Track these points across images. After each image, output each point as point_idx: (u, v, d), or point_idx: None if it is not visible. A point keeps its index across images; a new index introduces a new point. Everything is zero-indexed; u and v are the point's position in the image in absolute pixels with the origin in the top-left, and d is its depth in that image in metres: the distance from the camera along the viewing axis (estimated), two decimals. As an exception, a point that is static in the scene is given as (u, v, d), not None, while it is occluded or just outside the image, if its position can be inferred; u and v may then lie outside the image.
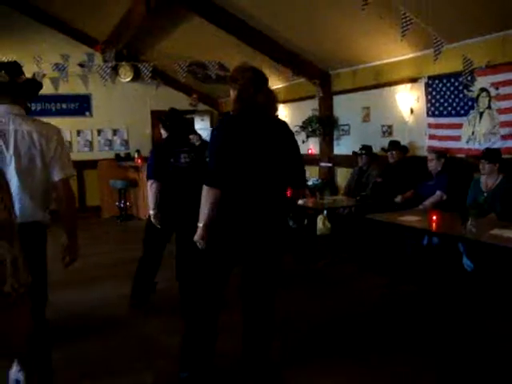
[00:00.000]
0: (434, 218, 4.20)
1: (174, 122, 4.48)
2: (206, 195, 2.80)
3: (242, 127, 2.84)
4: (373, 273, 5.27)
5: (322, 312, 4.31)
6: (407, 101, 6.41)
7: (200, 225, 2.83)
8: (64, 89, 8.07)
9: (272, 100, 2.98)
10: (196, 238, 2.84)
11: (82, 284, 5.16)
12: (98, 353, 3.56)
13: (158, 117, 4.75)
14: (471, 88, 5.53)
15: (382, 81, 6.75)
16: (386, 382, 3.07)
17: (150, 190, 4.31)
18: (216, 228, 2.84)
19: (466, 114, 5.65)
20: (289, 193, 3.23)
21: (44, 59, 7.14)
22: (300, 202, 5.83)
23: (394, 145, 6.11)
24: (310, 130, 7.67)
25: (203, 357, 2.97)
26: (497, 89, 5.29)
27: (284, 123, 3.12)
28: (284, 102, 8.84)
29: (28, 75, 2.66)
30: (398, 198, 5.68)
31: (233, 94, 2.93)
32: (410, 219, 4.45)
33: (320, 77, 7.68)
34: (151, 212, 4.33)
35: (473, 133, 5.57)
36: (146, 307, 4.43)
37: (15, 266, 1.10)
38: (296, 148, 3.10)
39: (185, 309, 3.98)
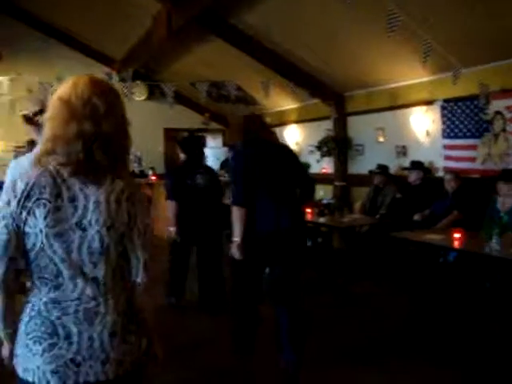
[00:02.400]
0: (458, 235, 4.35)
1: (191, 146, 4.87)
2: (236, 214, 3.23)
3: (253, 153, 3.37)
4: (392, 289, 5.39)
5: (346, 320, 4.56)
6: (423, 122, 6.57)
7: (236, 239, 3.24)
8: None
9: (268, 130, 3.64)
10: (233, 250, 3.28)
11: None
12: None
13: (177, 141, 5.14)
14: (486, 111, 5.73)
15: (397, 103, 6.91)
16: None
17: (169, 209, 4.70)
18: (247, 240, 3.25)
19: (481, 135, 5.83)
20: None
21: (65, 79, 7.31)
22: (321, 219, 5.99)
23: (417, 165, 6.24)
24: (325, 150, 7.83)
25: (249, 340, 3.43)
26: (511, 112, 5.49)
27: (285, 146, 3.82)
28: (298, 122, 9.04)
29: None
30: (417, 216, 5.81)
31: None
32: (433, 237, 4.61)
33: (335, 98, 7.86)
34: (171, 229, 4.67)
35: (488, 154, 5.75)
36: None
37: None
38: (299, 165, 3.67)
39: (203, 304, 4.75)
